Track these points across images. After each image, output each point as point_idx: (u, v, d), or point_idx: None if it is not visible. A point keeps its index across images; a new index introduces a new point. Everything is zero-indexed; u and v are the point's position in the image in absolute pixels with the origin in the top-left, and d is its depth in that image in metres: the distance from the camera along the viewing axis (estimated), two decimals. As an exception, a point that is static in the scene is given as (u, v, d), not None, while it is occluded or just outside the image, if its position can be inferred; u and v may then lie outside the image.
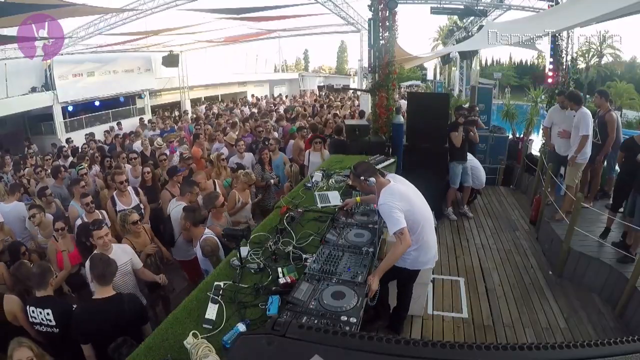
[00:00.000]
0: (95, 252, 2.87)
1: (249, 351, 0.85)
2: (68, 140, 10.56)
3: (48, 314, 2.54)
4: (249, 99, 19.34)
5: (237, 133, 7.80)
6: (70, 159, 7.54)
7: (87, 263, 2.69)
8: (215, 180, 4.73)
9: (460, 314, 3.81)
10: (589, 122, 4.48)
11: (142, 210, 4.36)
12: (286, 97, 19.61)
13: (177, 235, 3.81)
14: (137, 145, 7.54)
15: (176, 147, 6.71)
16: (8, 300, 2.73)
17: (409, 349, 0.80)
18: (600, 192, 5.38)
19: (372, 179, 2.71)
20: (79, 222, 3.98)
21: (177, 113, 15.64)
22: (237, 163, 5.33)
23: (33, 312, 2.57)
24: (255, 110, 13.14)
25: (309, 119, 9.63)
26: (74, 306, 2.61)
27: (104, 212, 4.25)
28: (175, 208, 3.92)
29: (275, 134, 7.48)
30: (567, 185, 4.87)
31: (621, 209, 4.40)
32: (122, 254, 3.11)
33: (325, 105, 12.75)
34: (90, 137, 9.76)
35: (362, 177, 2.73)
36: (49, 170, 5.81)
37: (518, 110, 9.12)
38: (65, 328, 2.52)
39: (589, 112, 4.54)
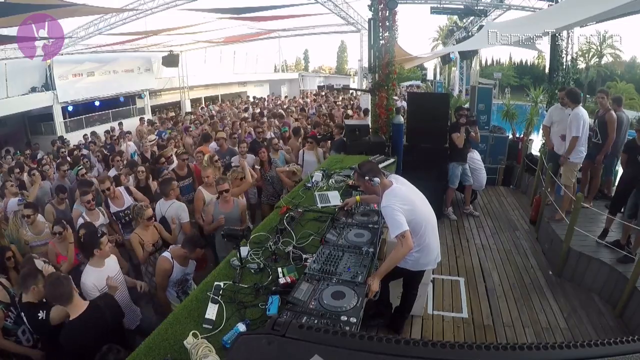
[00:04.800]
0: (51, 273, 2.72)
1: (249, 351, 0.85)
2: (64, 142, 10.58)
3: (26, 321, 2.57)
4: (251, 99, 19.36)
5: (239, 132, 7.81)
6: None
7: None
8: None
9: (460, 314, 3.81)
10: (579, 123, 4.47)
11: None
12: (285, 97, 19.61)
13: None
14: (132, 145, 7.59)
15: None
16: None
17: (409, 349, 0.79)
18: (598, 193, 5.38)
19: (377, 179, 2.70)
20: (80, 221, 3.98)
21: (172, 114, 15.63)
22: (229, 163, 5.33)
23: (20, 314, 2.61)
24: (257, 110, 13.16)
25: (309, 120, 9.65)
26: (40, 315, 2.55)
27: (102, 208, 4.25)
28: (169, 208, 3.98)
29: (271, 134, 7.46)
30: (564, 185, 4.87)
31: (622, 210, 4.39)
32: (113, 264, 3.08)
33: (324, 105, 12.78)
34: (92, 136, 9.82)
35: (366, 177, 2.72)
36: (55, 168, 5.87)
37: (518, 110, 9.12)
38: (45, 335, 2.54)
39: (582, 113, 4.52)
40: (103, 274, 2.92)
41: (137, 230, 3.59)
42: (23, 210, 3.97)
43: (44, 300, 2.63)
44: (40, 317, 2.55)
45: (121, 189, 4.46)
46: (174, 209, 3.98)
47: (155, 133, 9.32)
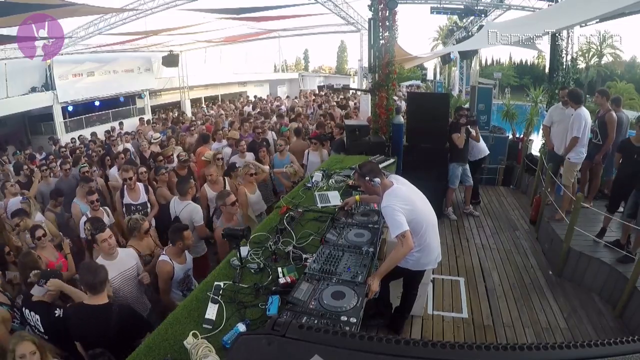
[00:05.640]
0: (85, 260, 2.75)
1: (249, 351, 0.85)
2: (72, 140, 10.63)
3: (37, 320, 2.55)
4: (251, 98, 19.37)
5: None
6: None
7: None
8: (226, 178, 4.71)
9: (460, 314, 3.82)
10: (581, 124, 4.50)
11: (149, 209, 4.39)
12: (286, 97, 19.59)
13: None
14: (130, 146, 7.63)
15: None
16: None
17: (409, 349, 0.79)
18: (599, 193, 5.39)
19: (377, 180, 2.70)
20: (84, 219, 3.99)
21: (173, 114, 15.66)
22: (233, 163, 5.35)
23: (28, 314, 2.59)
24: (256, 110, 13.15)
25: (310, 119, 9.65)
26: (56, 313, 2.57)
27: (107, 208, 4.26)
28: (184, 209, 3.94)
29: (273, 134, 7.47)
30: (564, 185, 4.88)
31: (620, 209, 4.40)
32: (128, 259, 3.07)
33: (324, 105, 12.76)
34: (93, 136, 9.84)
35: (367, 177, 2.72)
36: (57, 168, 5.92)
37: (518, 110, 9.11)
38: (54, 335, 2.52)
39: (584, 113, 4.54)
40: (114, 267, 2.91)
41: (132, 242, 3.48)
42: (13, 219, 3.93)
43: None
44: (57, 315, 2.56)
45: (141, 184, 4.49)
46: (187, 211, 3.90)
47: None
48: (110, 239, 2.96)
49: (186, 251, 3.24)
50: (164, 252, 3.14)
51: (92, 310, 2.35)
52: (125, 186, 4.38)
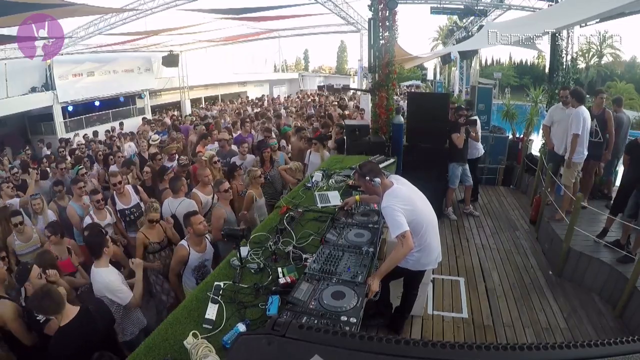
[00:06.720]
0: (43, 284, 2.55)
1: (249, 351, 0.85)
2: (71, 138, 10.64)
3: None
4: (252, 98, 19.39)
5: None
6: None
7: None
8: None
9: (460, 314, 3.81)
10: (579, 121, 4.51)
11: (143, 208, 4.37)
12: (288, 96, 19.62)
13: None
14: (130, 146, 7.62)
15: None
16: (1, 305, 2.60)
17: (409, 349, 0.79)
18: (599, 193, 5.38)
19: (378, 180, 2.70)
20: (88, 220, 3.96)
21: (176, 112, 15.68)
22: (233, 163, 5.34)
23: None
24: (256, 110, 13.14)
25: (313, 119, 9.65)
26: (38, 317, 2.51)
27: (109, 208, 4.25)
28: (179, 206, 3.97)
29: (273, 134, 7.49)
30: (564, 185, 4.88)
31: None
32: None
33: (324, 105, 12.76)
34: (91, 137, 9.84)
35: (367, 177, 2.72)
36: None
37: (518, 110, 9.11)
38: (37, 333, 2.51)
39: (583, 112, 4.55)
40: (115, 270, 2.94)
41: (144, 229, 3.61)
42: (12, 218, 3.85)
43: None
44: (37, 318, 2.50)
45: (129, 186, 4.48)
46: (184, 206, 3.93)
47: (155, 132, 9.34)
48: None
49: (208, 242, 3.33)
50: (185, 238, 3.26)
51: (75, 324, 2.26)
52: (114, 192, 4.35)
